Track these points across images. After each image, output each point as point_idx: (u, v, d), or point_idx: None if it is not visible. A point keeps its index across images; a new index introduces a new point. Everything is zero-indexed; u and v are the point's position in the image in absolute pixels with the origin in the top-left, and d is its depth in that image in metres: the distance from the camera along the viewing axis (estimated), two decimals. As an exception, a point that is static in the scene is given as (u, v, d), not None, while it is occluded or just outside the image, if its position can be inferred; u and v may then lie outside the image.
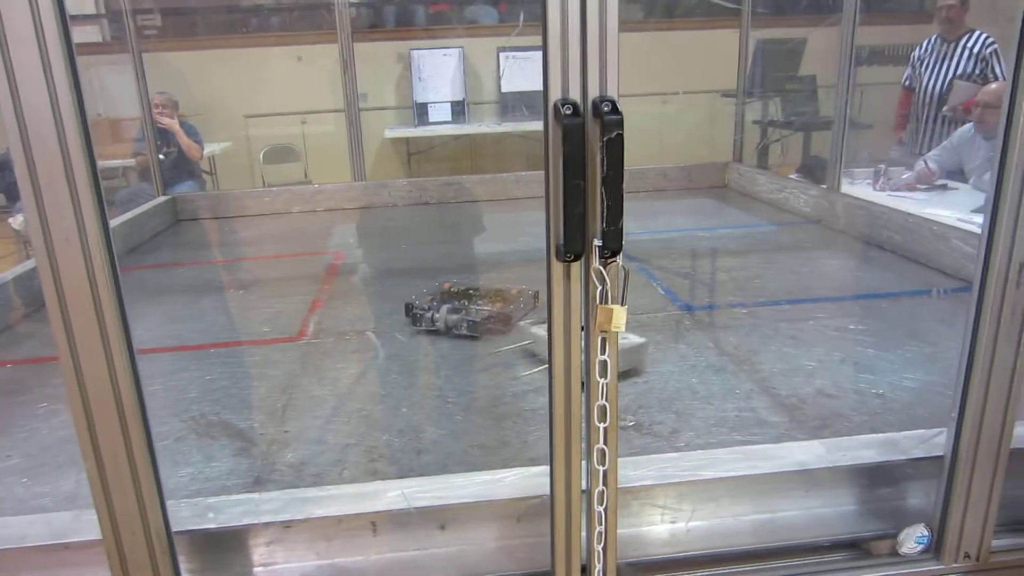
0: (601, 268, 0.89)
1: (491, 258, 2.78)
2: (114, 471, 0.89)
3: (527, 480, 1.09)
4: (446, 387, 1.64)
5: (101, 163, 0.85)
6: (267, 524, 1.02)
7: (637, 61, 4.20)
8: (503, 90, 5.89)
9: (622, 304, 0.91)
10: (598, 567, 0.95)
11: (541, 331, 1.74)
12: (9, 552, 1.01)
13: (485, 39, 5.85)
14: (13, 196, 4.50)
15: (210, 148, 5.15)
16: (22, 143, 0.81)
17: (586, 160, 0.87)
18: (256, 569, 1.05)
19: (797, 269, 2.50)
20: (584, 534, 1.00)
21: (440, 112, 5.77)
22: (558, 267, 0.90)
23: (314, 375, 1.73)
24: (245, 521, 1.03)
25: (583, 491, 0.98)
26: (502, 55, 5.90)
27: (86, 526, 1.03)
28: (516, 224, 3.26)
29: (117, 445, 0.88)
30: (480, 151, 5.69)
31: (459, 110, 5.80)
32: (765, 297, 2.20)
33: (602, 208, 0.87)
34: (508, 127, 5.44)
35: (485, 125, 5.61)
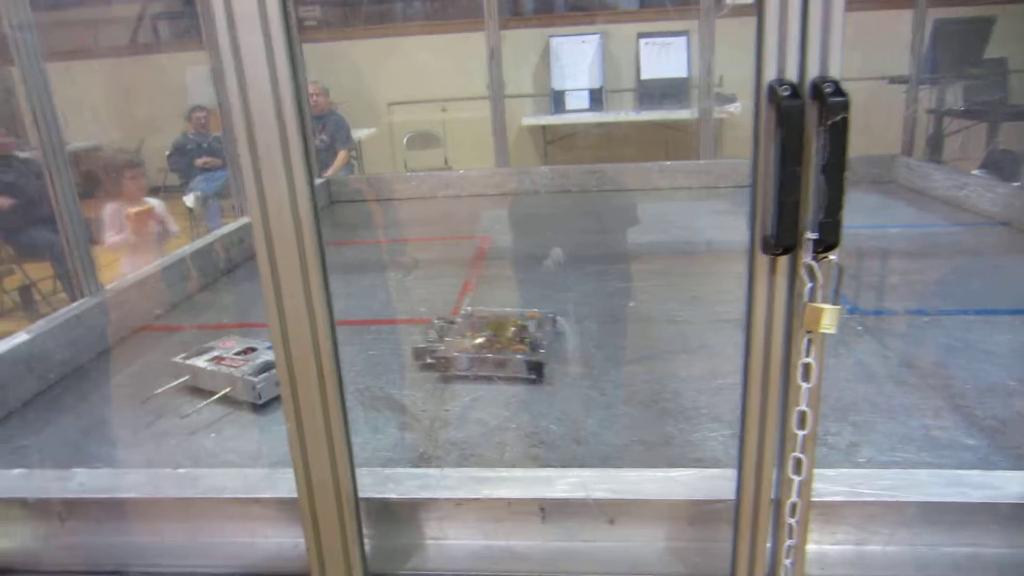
0: (813, 263, 0.82)
1: (639, 250, 2.70)
2: (312, 434, 0.93)
3: (703, 481, 1.04)
4: (601, 378, 1.61)
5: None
6: (442, 499, 1.04)
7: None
8: (642, 77, 5.74)
9: (834, 304, 0.83)
10: (791, 584, 0.89)
11: (200, 363, 1.62)
12: (210, 501, 1.10)
13: (625, 25, 5.72)
14: (188, 176, 4.96)
15: (357, 134, 5.41)
16: (245, 118, 0.85)
17: (803, 145, 0.80)
18: (428, 542, 1.07)
19: (985, 275, 2.24)
20: (770, 545, 0.93)
21: (577, 100, 5.72)
22: (763, 260, 0.84)
23: (469, 356, 1.76)
24: (422, 495, 1.05)
25: (771, 500, 0.92)
26: (642, 41, 5.75)
27: (276, 483, 1.10)
28: (662, 215, 3.15)
29: (316, 409, 0.92)
30: (617, 139, 5.59)
31: (597, 98, 5.73)
32: (949, 305, 1.98)
33: (820, 198, 0.80)
34: (649, 115, 5.28)
35: (624, 113, 5.49)
